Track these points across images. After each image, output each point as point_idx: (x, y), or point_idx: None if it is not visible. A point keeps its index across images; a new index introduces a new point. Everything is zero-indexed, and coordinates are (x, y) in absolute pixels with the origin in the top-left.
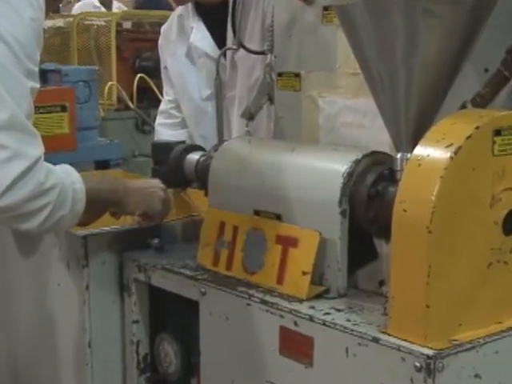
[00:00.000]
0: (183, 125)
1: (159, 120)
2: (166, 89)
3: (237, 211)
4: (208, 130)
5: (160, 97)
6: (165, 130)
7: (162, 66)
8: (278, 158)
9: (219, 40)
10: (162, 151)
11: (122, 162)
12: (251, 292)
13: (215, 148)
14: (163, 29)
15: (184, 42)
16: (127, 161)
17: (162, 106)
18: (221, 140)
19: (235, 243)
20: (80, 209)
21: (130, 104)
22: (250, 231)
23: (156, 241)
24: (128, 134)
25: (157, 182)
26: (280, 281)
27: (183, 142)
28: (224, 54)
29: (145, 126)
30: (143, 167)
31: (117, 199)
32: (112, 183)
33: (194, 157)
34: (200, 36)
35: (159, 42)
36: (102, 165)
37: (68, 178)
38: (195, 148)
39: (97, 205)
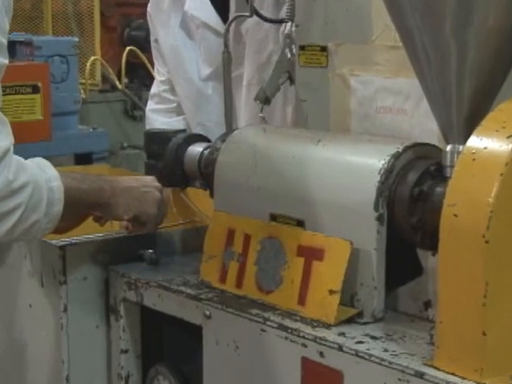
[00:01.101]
0: (179, 111)
1: (150, 105)
2: (157, 67)
3: (249, 216)
4: (209, 116)
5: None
6: (157, 117)
7: (151, 38)
8: (300, 151)
9: (220, 7)
10: (157, 142)
11: (108, 156)
12: (266, 315)
13: (223, 138)
14: None
15: (178, 10)
16: (114, 154)
17: (154, 89)
18: (229, 128)
19: (247, 255)
20: (57, 212)
21: (118, 84)
22: (266, 240)
23: (150, 252)
24: (115, 121)
25: (151, 180)
26: (302, 301)
27: (183, 130)
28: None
29: (135, 111)
30: (134, 161)
31: (102, 201)
32: (96, 181)
33: (196, 149)
34: (197, 3)
35: (148, 8)
36: (84, 158)
37: (43, 174)
38: (198, 138)
39: (78, 207)
